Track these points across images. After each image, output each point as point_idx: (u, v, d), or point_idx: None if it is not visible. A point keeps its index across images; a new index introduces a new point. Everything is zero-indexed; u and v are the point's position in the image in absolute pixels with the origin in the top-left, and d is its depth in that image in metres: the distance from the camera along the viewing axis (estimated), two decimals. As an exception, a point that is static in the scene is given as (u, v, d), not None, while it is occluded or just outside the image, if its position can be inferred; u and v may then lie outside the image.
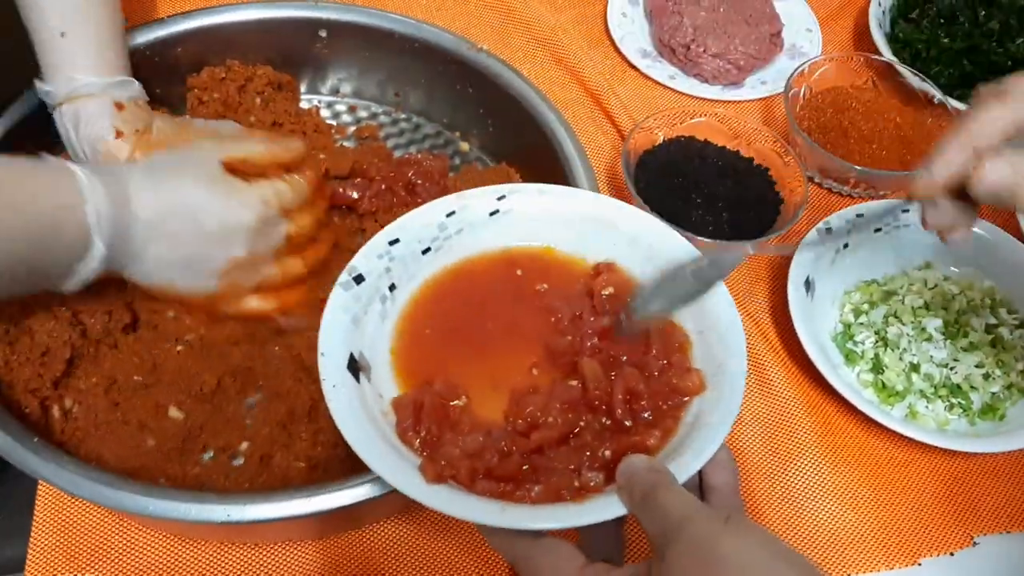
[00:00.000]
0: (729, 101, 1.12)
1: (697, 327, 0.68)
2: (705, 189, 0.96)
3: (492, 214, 0.73)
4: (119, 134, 0.77)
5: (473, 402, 0.65)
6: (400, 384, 0.66)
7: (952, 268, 0.96)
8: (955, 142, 0.59)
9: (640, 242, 0.72)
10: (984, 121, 0.58)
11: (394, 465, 0.58)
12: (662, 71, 1.14)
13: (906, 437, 0.83)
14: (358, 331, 0.67)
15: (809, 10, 1.22)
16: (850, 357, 0.91)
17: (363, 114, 1.04)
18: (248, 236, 0.72)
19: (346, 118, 1.04)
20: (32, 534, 0.75)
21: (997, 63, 1.09)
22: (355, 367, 0.65)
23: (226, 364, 0.78)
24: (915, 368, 0.88)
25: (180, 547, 0.76)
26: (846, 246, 0.95)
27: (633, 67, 1.15)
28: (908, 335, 0.90)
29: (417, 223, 0.72)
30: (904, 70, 1.06)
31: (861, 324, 0.92)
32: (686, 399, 0.64)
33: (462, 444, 0.60)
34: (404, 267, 0.71)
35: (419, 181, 0.90)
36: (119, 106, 0.77)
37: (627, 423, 0.62)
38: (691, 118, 1.01)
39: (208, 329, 0.79)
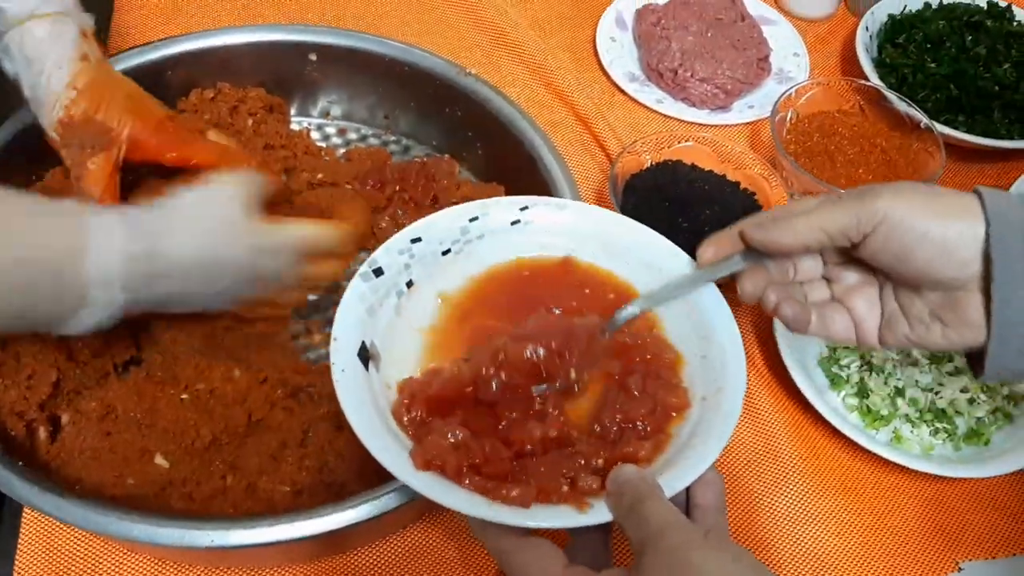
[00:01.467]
0: (716, 125, 1.13)
1: (700, 351, 0.69)
2: (692, 213, 0.97)
3: (513, 223, 0.74)
4: (85, 58, 0.76)
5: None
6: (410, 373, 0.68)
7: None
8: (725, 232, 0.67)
9: (652, 266, 0.73)
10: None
11: (388, 447, 0.59)
12: (650, 95, 1.15)
13: (891, 462, 0.83)
14: (372, 321, 0.68)
15: (796, 35, 1.23)
16: (835, 381, 0.91)
17: (353, 136, 1.05)
18: (267, 281, 0.74)
19: (336, 140, 1.04)
20: (16, 559, 0.75)
21: (983, 88, 1.10)
22: (365, 355, 0.66)
23: (226, 422, 0.77)
24: (900, 392, 0.89)
25: (166, 572, 0.76)
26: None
27: (621, 91, 1.15)
28: (893, 359, 0.90)
29: (441, 224, 0.73)
30: (891, 95, 1.07)
31: (846, 348, 0.92)
32: (673, 414, 0.65)
33: (451, 437, 0.60)
34: (423, 266, 0.72)
35: (424, 182, 0.91)
36: (84, 33, 0.77)
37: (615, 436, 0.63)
38: (678, 142, 1.02)
39: (221, 383, 0.79)
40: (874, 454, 0.83)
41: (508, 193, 0.95)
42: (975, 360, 0.62)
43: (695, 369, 0.68)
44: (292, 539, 0.64)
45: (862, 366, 0.91)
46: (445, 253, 0.73)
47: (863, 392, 0.89)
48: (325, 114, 1.05)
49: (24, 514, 0.77)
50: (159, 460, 0.74)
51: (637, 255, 0.74)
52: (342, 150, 1.02)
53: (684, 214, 0.97)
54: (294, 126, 1.03)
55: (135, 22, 1.12)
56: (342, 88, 1.02)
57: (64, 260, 0.64)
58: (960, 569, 0.82)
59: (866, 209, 0.59)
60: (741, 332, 0.94)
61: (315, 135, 1.03)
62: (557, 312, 0.71)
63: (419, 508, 0.78)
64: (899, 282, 0.63)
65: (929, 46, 1.15)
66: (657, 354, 0.69)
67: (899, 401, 0.88)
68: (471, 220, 0.74)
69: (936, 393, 0.89)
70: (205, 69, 0.96)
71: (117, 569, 0.76)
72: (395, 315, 0.70)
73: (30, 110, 0.81)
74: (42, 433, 0.74)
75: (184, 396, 0.78)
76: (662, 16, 1.19)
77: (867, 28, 1.18)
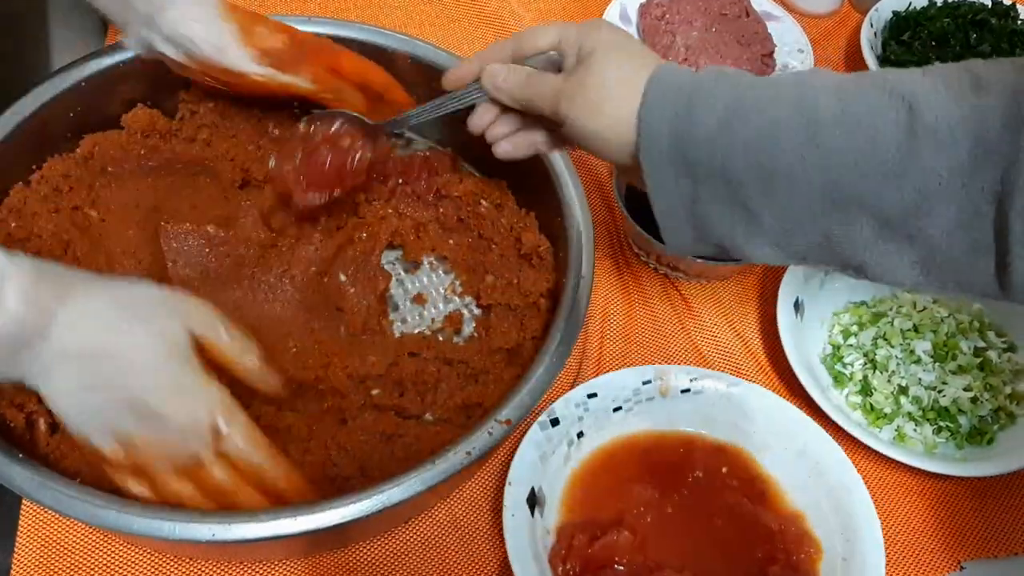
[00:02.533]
0: (721, 121, 1.12)
1: (843, 552, 0.75)
2: (696, 209, 0.96)
3: (684, 391, 0.82)
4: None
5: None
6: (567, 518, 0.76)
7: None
8: (475, 57, 0.75)
9: (808, 456, 0.80)
10: (493, 48, 0.74)
11: None
12: (654, 90, 1.14)
13: (894, 460, 0.83)
14: (543, 468, 0.75)
15: (801, 31, 1.22)
16: (839, 379, 0.91)
17: (355, 129, 1.04)
18: (169, 432, 0.61)
19: (338, 132, 1.04)
20: (15, 550, 0.75)
21: (987, 86, 1.09)
22: (533, 501, 0.73)
23: None
24: (903, 391, 0.89)
25: (164, 564, 0.75)
26: (836, 267, 0.95)
27: (625, 85, 1.14)
28: (897, 357, 0.90)
29: (617, 383, 0.81)
30: (895, 92, 1.06)
31: (850, 346, 0.92)
32: None
33: None
34: (595, 419, 0.79)
35: (426, 176, 0.91)
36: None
37: None
38: (683, 137, 1.01)
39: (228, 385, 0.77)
40: (877, 452, 0.83)
41: (511, 189, 0.94)
42: None
43: (834, 571, 0.74)
44: (294, 534, 0.64)
45: (866, 364, 0.90)
46: (616, 410, 0.80)
47: (866, 390, 0.89)
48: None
49: (23, 505, 0.77)
50: None
51: (795, 448, 0.80)
52: (344, 142, 1.01)
53: (688, 210, 0.96)
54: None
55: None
56: (345, 80, 1.02)
57: None
58: (962, 568, 0.82)
59: (555, 109, 0.67)
60: (745, 327, 0.95)
61: (317, 127, 1.02)
62: (691, 479, 0.79)
63: (421, 503, 0.77)
64: None
65: (934, 43, 1.15)
66: (798, 545, 0.75)
67: (902, 399, 0.88)
68: (645, 383, 0.81)
69: (939, 392, 0.88)
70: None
71: (116, 560, 0.75)
72: (563, 463, 0.77)
73: (29, 100, 0.80)
74: (42, 425, 0.73)
75: None
76: (667, 11, 1.18)
77: (871, 25, 1.18)
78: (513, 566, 0.68)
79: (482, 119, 0.76)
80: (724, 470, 0.81)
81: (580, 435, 0.79)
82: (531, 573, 0.68)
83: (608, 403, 0.80)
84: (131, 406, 0.60)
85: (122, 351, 0.60)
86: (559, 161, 0.88)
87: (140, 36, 0.78)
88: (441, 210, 0.91)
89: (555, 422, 0.77)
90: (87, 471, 0.71)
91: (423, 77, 0.97)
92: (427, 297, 0.89)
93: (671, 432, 0.82)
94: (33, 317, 0.57)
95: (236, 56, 0.78)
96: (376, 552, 0.78)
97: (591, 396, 0.80)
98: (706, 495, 0.79)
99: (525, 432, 0.77)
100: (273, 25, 0.81)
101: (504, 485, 0.75)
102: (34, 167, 0.84)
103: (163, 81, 0.92)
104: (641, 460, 0.80)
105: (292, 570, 0.76)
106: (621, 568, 0.72)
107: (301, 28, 0.96)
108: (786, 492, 0.80)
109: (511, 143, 0.76)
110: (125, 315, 0.61)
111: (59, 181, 0.84)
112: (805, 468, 0.80)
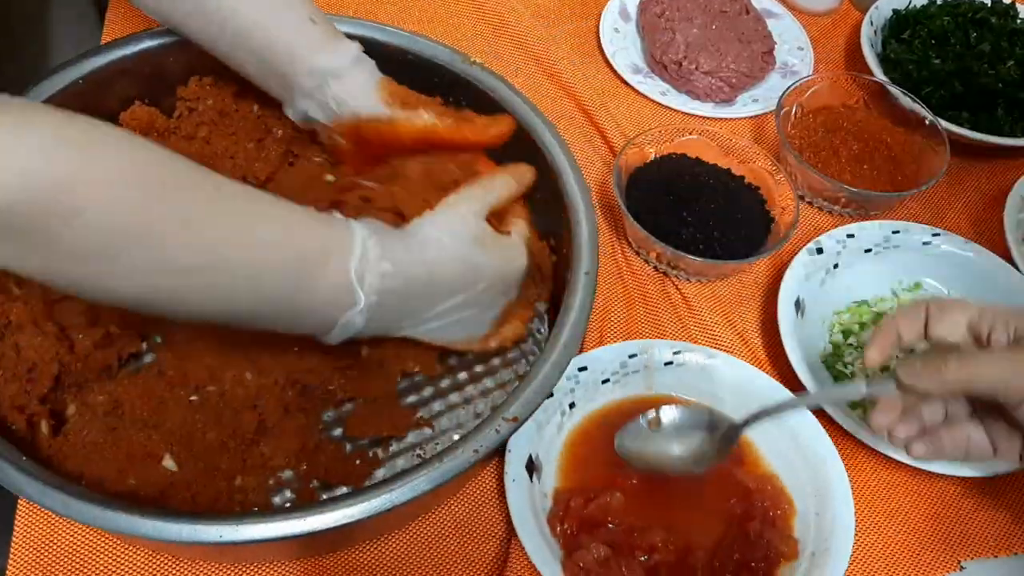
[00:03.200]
0: (721, 119, 1.12)
1: (815, 508, 0.80)
2: (696, 207, 0.96)
3: (667, 363, 0.87)
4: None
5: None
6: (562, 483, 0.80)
7: (942, 289, 0.96)
8: (877, 338, 0.71)
9: (783, 425, 0.83)
10: (893, 326, 0.71)
11: (543, 554, 0.73)
12: (654, 87, 1.14)
13: (894, 459, 0.83)
14: (539, 436, 0.80)
15: (801, 28, 1.22)
16: (839, 378, 0.91)
17: (354, 125, 1.03)
18: (520, 280, 0.78)
19: (337, 129, 1.03)
20: (11, 551, 0.74)
21: (987, 85, 1.09)
22: (531, 466, 0.78)
23: (234, 426, 0.75)
24: (904, 390, 0.88)
25: (162, 564, 0.75)
26: (836, 266, 0.95)
27: (625, 83, 1.14)
28: (897, 356, 0.90)
29: (604, 357, 0.86)
30: (895, 90, 1.07)
31: (851, 345, 0.92)
32: (782, 561, 0.76)
33: (595, 552, 0.72)
34: (585, 390, 0.84)
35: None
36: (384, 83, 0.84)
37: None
38: (683, 135, 1.01)
39: (232, 385, 0.76)
40: (877, 451, 0.83)
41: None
42: None
43: (808, 524, 0.79)
44: (302, 534, 0.63)
45: (866, 363, 0.91)
46: (604, 382, 0.85)
47: (867, 389, 0.89)
48: (326, 102, 1.03)
49: (19, 504, 0.76)
50: (167, 462, 0.72)
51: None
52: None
53: (688, 208, 0.96)
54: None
55: (131, 12, 1.11)
56: (344, 76, 1.01)
57: (335, 256, 0.65)
58: (962, 568, 0.82)
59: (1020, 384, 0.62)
60: (745, 326, 0.95)
61: (317, 123, 1.02)
62: None
63: (426, 503, 0.77)
64: None
65: (934, 42, 1.15)
66: (775, 503, 0.80)
67: (903, 399, 0.88)
68: (631, 356, 0.86)
69: (940, 391, 0.88)
70: (205, 56, 0.94)
71: (113, 559, 0.75)
72: (556, 432, 0.82)
73: (27, 98, 0.80)
74: (44, 427, 0.72)
75: (194, 397, 0.76)
76: (666, 8, 1.18)
77: (872, 23, 1.18)
78: (516, 527, 0.73)
79: (887, 416, 0.70)
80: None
81: (572, 405, 0.83)
82: (533, 533, 0.73)
83: (597, 375, 0.85)
84: (493, 293, 0.76)
85: (471, 270, 0.73)
86: (561, 157, 0.88)
87: (298, 107, 0.85)
88: None
89: (549, 394, 0.79)
90: (89, 472, 0.71)
91: (421, 72, 0.97)
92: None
93: (655, 401, 0.85)
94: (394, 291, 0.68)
95: (369, 105, 0.83)
96: (376, 553, 0.78)
97: (582, 369, 0.84)
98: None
99: None
100: (408, 91, 0.86)
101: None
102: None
103: (161, 79, 0.92)
104: (622, 423, 0.82)
105: (291, 570, 0.76)
106: (613, 527, 0.76)
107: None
108: (763, 456, 0.83)
109: (934, 444, 0.69)
110: (450, 245, 0.71)
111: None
112: (782, 435, 0.83)
